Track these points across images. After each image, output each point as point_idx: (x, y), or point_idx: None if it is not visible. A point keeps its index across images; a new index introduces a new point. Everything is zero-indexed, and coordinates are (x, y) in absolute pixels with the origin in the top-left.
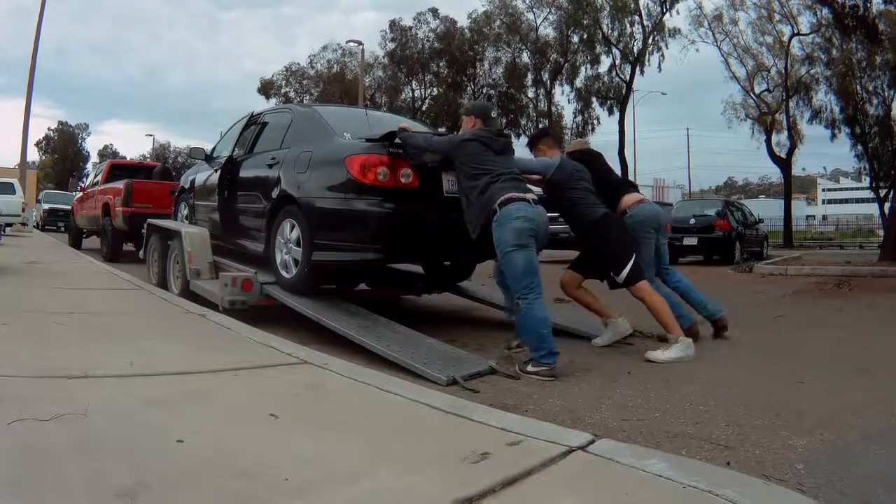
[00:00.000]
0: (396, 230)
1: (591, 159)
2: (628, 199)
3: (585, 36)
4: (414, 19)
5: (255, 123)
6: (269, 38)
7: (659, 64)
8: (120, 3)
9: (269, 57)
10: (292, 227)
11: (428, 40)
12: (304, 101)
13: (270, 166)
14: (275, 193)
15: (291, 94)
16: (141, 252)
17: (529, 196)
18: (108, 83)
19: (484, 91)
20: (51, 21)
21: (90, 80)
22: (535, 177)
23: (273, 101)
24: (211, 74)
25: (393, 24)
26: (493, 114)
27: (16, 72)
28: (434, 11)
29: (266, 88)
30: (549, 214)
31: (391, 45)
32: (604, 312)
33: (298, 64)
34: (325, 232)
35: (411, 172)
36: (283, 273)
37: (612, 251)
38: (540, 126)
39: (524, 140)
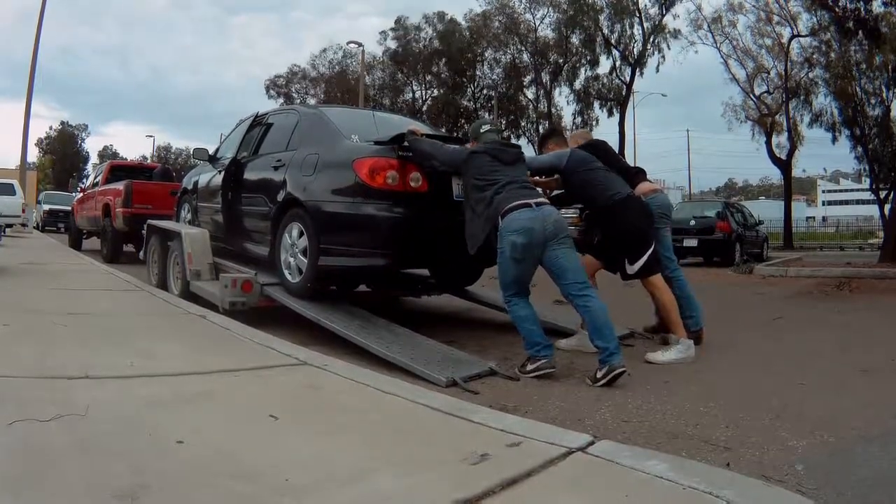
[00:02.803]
0: (405, 235)
1: (598, 150)
2: (644, 186)
3: (585, 37)
4: (424, 19)
5: (259, 124)
6: (276, 42)
7: (657, 66)
8: (128, 7)
9: (276, 61)
10: (299, 232)
11: (430, 41)
12: (307, 102)
13: (276, 168)
14: (280, 196)
15: (293, 94)
16: (141, 253)
17: (533, 200)
18: (113, 86)
19: (484, 92)
20: (59, 25)
21: (95, 82)
22: (548, 179)
23: (277, 102)
24: (216, 78)
25: (398, 21)
26: (490, 125)
27: (22, 75)
28: (441, 16)
29: (270, 88)
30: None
31: (392, 45)
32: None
33: (298, 66)
34: (332, 236)
35: (420, 176)
36: (289, 277)
37: (629, 238)
38: (540, 128)
39: (523, 141)
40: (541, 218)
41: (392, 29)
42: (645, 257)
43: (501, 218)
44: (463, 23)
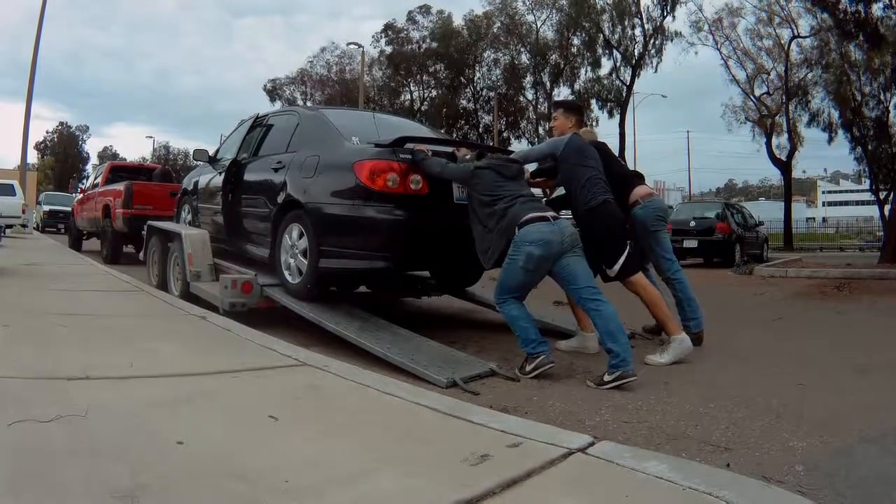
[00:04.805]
0: (406, 238)
1: (599, 152)
2: (640, 190)
3: (586, 38)
4: (407, 20)
5: (260, 126)
6: (281, 44)
7: (656, 66)
8: (134, 10)
9: (281, 62)
10: (299, 233)
11: (424, 41)
12: (308, 104)
13: (276, 170)
14: (280, 198)
15: (296, 96)
16: (141, 254)
17: (550, 214)
18: (117, 87)
19: (483, 93)
20: (65, 28)
21: (100, 84)
22: (546, 181)
23: (278, 104)
24: (219, 79)
25: (388, 27)
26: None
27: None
28: (425, 9)
29: (273, 91)
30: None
31: (387, 47)
32: (582, 321)
33: (305, 70)
34: (332, 239)
35: (421, 179)
36: (289, 278)
37: (606, 241)
38: (540, 129)
39: (523, 143)
40: (559, 231)
41: (381, 32)
42: (622, 259)
43: (518, 228)
44: (459, 20)
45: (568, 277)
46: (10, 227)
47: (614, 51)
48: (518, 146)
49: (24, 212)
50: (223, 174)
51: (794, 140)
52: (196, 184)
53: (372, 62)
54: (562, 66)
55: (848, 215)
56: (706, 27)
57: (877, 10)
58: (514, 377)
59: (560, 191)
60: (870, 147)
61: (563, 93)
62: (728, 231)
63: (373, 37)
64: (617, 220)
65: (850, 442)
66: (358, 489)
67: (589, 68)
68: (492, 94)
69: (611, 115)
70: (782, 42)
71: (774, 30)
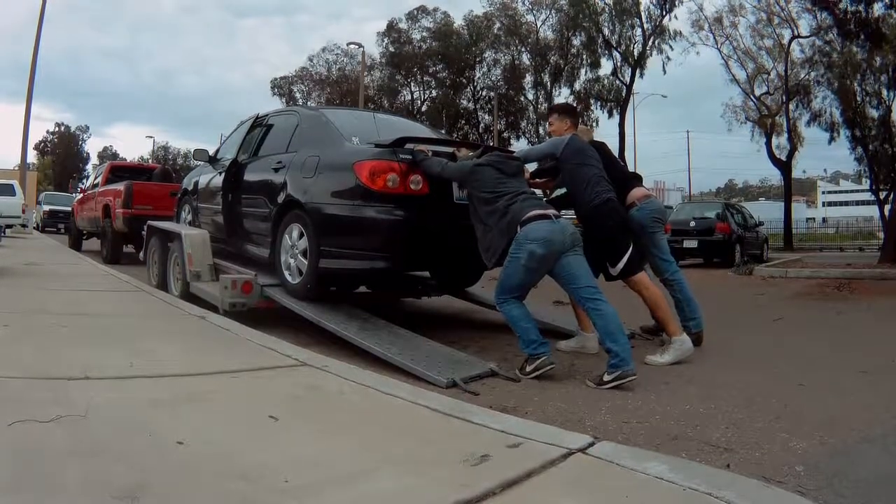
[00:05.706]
0: (406, 238)
1: (598, 151)
2: (637, 192)
3: (586, 39)
4: (408, 19)
5: (260, 126)
6: (283, 45)
7: (663, 66)
8: (136, 10)
9: (282, 63)
10: (299, 233)
11: (425, 41)
12: (310, 103)
13: (276, 170)
14: (280, 198)
15: (296, 96)
16: (141, 254)
17: (552, 212)
18: (118, 87)
19: (483, 93)
20: (67, 28)
21: (101, 84)
22: (546, 181)
23: (281, 103)
24: (221, 80)
25: (391, 26)
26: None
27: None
28: (421, 10)
29: (280, 88)
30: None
31: (390, 48)
32: (582, 321)
33: (307, 67)
34: (332, 239)
35: (421, 179)
36: (289, 278)
37: (609, 239)
38: (540, 129)
39: (523, 142)
40: (560, 230)
41: (384, 33)
42: (624, 259)
43: (521, 227)
44: (460, 21)
45: (568, 277)
46: (10, 227)
47: (614, 51)
48: (518, 146)
49: (24, 212)
50: (223, 174)
51: (794, 140)
52: (196, 184)
53: (373, 64)
54: (562, 66)
55: (848, 215)
56: (707, 26)
57: (878, 9)
58: (514, 378)
59: (560, 191)
60: (871, 147)
61: (563, 93)
62: (728, 231)
63: (378, 34)
64: (620, 219)
65: (850, 442)
66: (358, 489)
67: (588, 68)
68: (492, 94)
69: (610, 115)
70: (783, 42)
71: (774, 30)
